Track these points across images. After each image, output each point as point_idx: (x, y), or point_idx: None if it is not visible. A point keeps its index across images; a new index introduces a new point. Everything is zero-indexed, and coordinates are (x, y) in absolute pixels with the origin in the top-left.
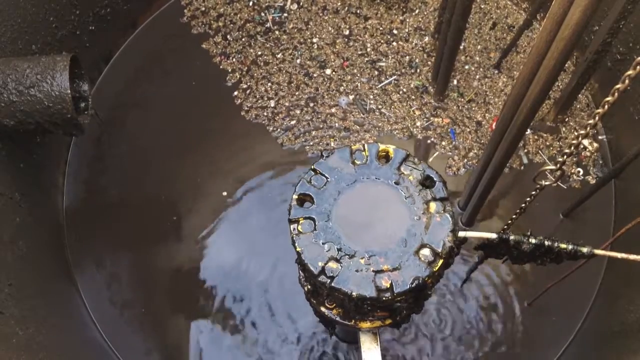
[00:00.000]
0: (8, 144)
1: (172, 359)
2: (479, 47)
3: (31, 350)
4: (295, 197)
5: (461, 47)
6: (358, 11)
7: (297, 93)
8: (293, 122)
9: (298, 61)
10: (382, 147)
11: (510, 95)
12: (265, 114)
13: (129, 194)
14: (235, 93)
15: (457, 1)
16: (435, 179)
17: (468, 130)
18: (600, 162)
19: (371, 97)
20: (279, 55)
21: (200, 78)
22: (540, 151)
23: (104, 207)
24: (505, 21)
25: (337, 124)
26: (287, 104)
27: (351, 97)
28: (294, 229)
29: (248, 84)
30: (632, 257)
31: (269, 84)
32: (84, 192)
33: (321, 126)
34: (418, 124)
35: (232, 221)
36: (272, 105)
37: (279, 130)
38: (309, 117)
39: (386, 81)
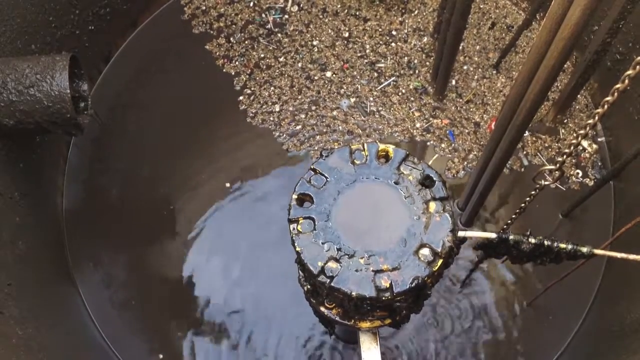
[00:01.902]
0: (8, 143)
1: (172, 357)
2: (477, 47)
3: (31, 350)
4: (294, 196)
5: (460, 48)
6: (357, 13)
7: (299, 97)
8: (299, 127)
9: (299, 65)
10: (381, 146)
11: (509, 95)
12: (271, 119)
13: (129, 194)
14: (241, 98)
15: (457, 1)
16: (434, 179)
17: (467, 131)
18: (599, 164)
19: (371, 99)
20: (281, 59)
21: (200, 78)
22: (539, 153)
23: (103, 207)
24: (504, 21)
25: (340, 127)
26: (291, 108)
27: (352, 99)
28: (294, 228)
29: (252, 89)
30: (632, 257)
31: (272, 88)
32: (83, 192)
33: (325, 130)
34: (418, 125)
35: (233, 221)
36: (277, 109)
37: (284, 135)
38: (314, 122)
39: (385, 83)
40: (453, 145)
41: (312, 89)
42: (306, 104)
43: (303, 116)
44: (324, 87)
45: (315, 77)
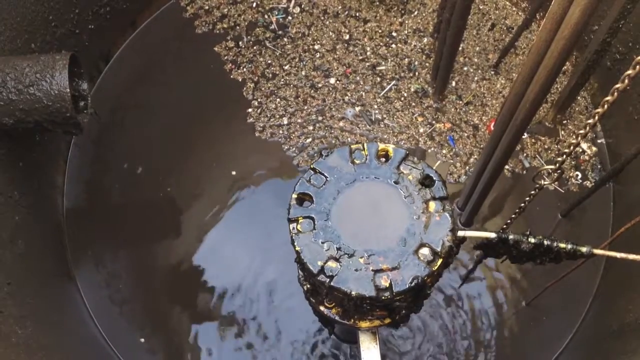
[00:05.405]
0: (7, 142)
1: (172, 357)
2: (477, 48)
3: (30, 349)
4: (294, 196)
5: (460, 49)
6: (357, 14)
7: (305, 107)
8: (308, 140)
9: (303, 73)
10: (381, 146)
11: (509, 95)
12: (280, 132)
13: (129, 193)
14: (249, 110)
15: (457, 1)
16: (434, 178)
17: (466, 135)
18: (599, 166)
19: (375, 106)
20: (286, 67)
21: (203, 79)
22: (538, 155)
23: (103, 207)
24: (504, 22)
25: (349, 139)
26: (299, 120)
27: (357, 108)
28: (293, 228)
29: (259, 100)
30: (631, 256)
31: (278, 100)
32: (83, 191)
33: (334, 142)
34: (421, 130)
35: (233, 220)
36: (286, 122)
37: (294, 149)
38: (323, 133)
39: (387, 87)
40: (454, 150)
41: (317, 97)
42: (313, 114)
43: (311, 128)
44: (328, 95)
45: (319, 85)
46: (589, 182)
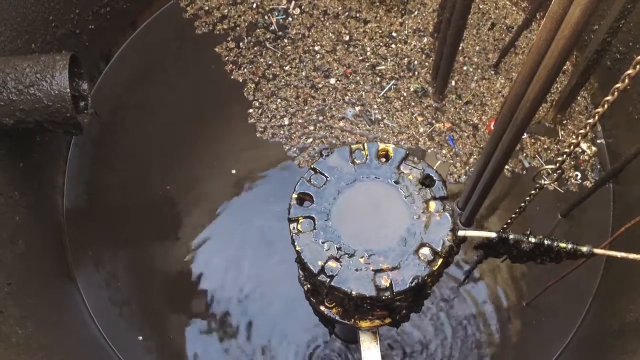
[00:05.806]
0: (7, 143)
1: (171, 357)
2: (477, 48)
3: (30, 350)
4: (294, 196)
5: (459, 48)
6: (358, 15)
7: (305, 108)
8: (309, 140)
9: (303, 73)
10: (381, 146)
11: (509, 95)
12: (282, 132)
13: (129, 194)
14: (250, 111)
15: (457, 0)
16: (434, 178)
17: (466, 135)
18: (599, 166)
19: (375, 106)
20: (286, 68)
21: (204, 79)
22: (538, 155)
23: (104, 207)
24: (504, 22)
25: (349, 139)
26: (300, 120)
27: (357, 108)
28: (294, 228)
29: (260, 101)
30: (632, 256)
31: (278, 100)
32: (84, 191)
33: (335, 142)
34: (421, 130)
35: (232, 221)
36: (287, 123)
37: (295, 149)
38: (324, 133)
39: (387, 87)
40: (454, 150)
41: (318, 97)
42: (314, 114)
43: (312, 128)
44: (329, 95)
45: (320, 85)
46: (588, 182)
